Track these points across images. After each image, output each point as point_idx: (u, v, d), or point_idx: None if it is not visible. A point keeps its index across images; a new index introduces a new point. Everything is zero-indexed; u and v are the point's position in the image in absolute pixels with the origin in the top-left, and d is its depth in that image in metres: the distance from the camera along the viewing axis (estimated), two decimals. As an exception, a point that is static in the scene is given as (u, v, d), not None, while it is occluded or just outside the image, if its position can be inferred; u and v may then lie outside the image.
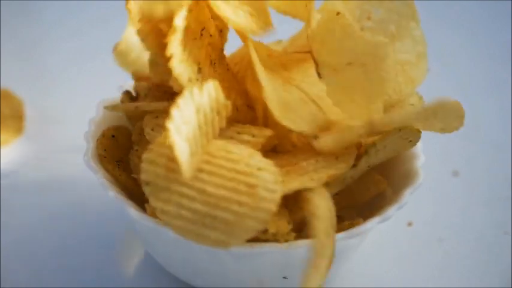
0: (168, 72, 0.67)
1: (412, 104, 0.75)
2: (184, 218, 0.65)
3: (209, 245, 0.65)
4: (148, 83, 0.77)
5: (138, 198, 0.72)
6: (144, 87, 0.77)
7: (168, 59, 0.67)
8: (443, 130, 0.71)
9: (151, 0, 0.67)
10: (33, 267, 0.80)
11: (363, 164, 0.70)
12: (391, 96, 0.74)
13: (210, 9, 0.70)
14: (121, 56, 0.79)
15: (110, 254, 0.81)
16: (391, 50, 0.74)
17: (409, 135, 0.71)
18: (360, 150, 0.70)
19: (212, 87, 0.67)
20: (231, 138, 0.69)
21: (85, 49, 1.04)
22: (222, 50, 0.74)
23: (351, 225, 0.71)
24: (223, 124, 0.68)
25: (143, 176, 0.66)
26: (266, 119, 0.72)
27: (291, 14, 0.74)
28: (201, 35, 0.70)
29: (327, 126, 0.70)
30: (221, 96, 0.68)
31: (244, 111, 0.73)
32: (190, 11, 0.68)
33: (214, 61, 0.72)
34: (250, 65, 0.71)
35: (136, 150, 0.74)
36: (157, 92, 0.75)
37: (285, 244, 0.69)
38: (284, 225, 0.69)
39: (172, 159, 0.64)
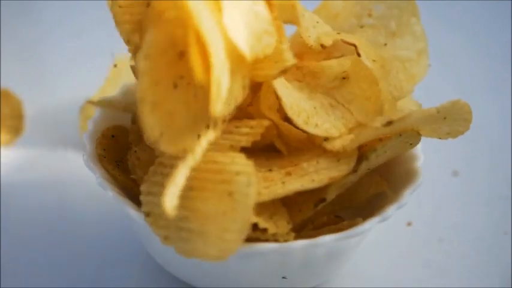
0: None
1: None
2: (184, 239, 0.65)
3: (208, 260, 0.65)
4: None
5: (138, 198, 0.72)
6: None
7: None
8: (448, 135, 0.71)
9: None
10: (33, 267, 0.80)
11: (363, 169, 0.70)
12: (392, 93, 0.74)
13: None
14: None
15: (110, 254, 0.81)
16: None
17: (410, 138, 0.71)
18: (360, 155, 0.70)
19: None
20: (230, 133, 0.69)
21: (85, 49, 1.04)
22: None
23: (351, 225, 0.71)
24: None
25: (143, 208, 0.67)
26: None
27: (282, 19, 0.74)
28: None
29: (354, 128, 0.71)
30: None
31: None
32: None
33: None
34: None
35: (135, 151, 0.74)
36: None
37: (285, 244, 0.68)
38: (283, 225, 0.69)
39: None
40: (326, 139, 0.70)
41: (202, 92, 0.64)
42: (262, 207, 0.68)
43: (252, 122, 0.69)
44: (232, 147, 0.68)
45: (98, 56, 0.94)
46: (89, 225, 0.83)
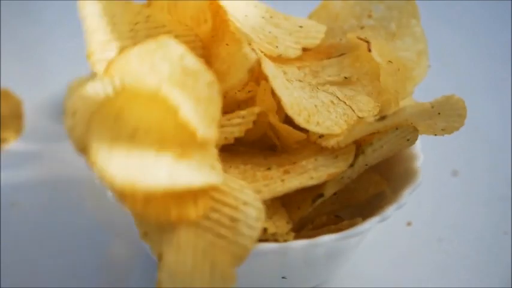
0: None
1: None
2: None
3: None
4: None
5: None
6: None
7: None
8: (443, 131, 0.72)
9: None
10: (33, 267, 0.80)
11: (360, 163, 0.70)
12: (392, 94, 0.74)
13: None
14: None
15: (110, 253, 0.81)
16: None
17: (407, 133, 0.71)
18: (357, 150, 0.70)
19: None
20: (223, 126, 0.69)
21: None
22: None
23: (350, 225, 0.71)
24: None
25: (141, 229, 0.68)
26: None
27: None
28: None
29: (355, 124, 0.71)
30: None
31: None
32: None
33: None
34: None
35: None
36: None
37: (284, 244, 0.68)
38: (283, 225, 0.69)
39: None
40: (321, 136, 0.70)
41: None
42: (262, 207, 0.68)
43: (243, 112, 0.69)
44: (226, 139, 0.68)
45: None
46: (89, 225, 0.83)
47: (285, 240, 0.69)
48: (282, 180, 0.68)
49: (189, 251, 0.64)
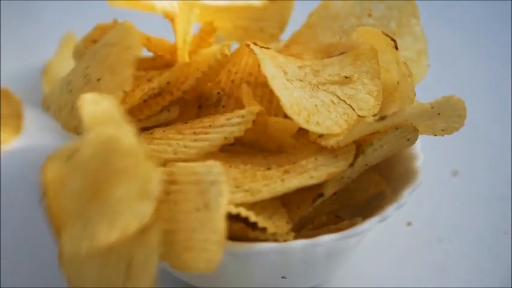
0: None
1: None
2: (175, 253, 0.66)
3: (198, 272, 0.65)
4: None
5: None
6: None
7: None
8: (443, 131, 0.72)
9: None
10: (33, 267, 0.80)
11: (360, 163, 0.70)
12: (392, 93, 0.74)
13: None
14: None
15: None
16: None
17: (407, 133, 0.71)
18: (357, 150, 0.70)
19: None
20: (222, 126, 0.69)
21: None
22: None
23: (350, 225, 0.71)
24: None
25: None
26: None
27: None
28: None
29: (355, 124, 0.71)
30: None
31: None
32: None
33: None
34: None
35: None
36: None
37: (284, 244, 0.68)
38: (283, 225, 0.69)
39: None
40: (321, 136, 0.70)
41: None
42: (261, 207, 0.68)
43: (242, 111, 0.69)
44: (226, 139, 0.68)
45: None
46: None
47: (285, 240, 0.69)
48: (282, 180, 0.68)
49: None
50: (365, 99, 0.73)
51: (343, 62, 0.75)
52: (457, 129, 0.71)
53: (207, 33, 0.80)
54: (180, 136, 0.70)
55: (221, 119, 0.70)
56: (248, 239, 0.68)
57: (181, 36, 0.75)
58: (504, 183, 0.88)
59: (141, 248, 0.64)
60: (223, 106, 0.75)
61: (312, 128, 0.70)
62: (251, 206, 0.68)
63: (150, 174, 0.62)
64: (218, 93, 0.75)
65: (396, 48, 0.73)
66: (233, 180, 0.68)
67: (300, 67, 0.74)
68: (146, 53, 0.77)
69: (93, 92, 0.67)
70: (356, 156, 0.70)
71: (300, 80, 0.73)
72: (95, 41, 0.78)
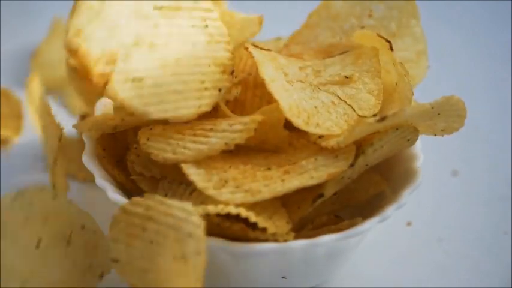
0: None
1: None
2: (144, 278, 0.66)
3: None
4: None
5: (137, 198, 0.73)
6: None
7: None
8: (443, 131, 0.72)
9: None
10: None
11: (360, 163, 0.70)
12: (391, 94, 0.74)
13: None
14: None
15: (110, 254, 0.81)
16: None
17: (407, 133, 0.71)
18: (357, 150, 0.70)
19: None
20: (224, 131, 0.69)
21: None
22: None
23: (350, 225, 0.71)
24: None
25: (112, 255, 0.67)
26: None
27: None
28: None
29: (355, 125, 0.71)
30: None
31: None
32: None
33: None
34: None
35: (135, 148, 0.74)
36: None
37: (284, 244, 0.68)
38: (283, 225, 0.69)
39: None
40: (321, 136, 0.70)
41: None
42: (262, 207, 0.68)
43: (245, 119, 0.69)
44: (226, 145, 0.68)
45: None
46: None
47: (285, 240, 0.69)
48: (282, 180, 0.68)
49: None
50: (365, 99, 0.73)
51: (344, 62, 0.75)
52: (457, 129, 0.71)
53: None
54: (180, 136, 0.70)
55: (223, 123, 0.70)
56: (248, 239, 0.68)
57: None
58: (504, 183, 0.88)
59: None
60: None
61: (311, 129, 0.70)
62: (251, 206, 0.68)
63: None
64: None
65: (391, 49, 0.73)
66: (233, 180, 0.68)
67: (301, 68, 0.74)
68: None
69: None
70: (356, 156, 0.70)
71: (301, 81, 0.73)
72: None
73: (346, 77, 0.74)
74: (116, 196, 0.72)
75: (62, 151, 0.75)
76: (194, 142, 0.69)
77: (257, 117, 0.69)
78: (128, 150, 0.74)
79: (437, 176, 0.88)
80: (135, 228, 0.66)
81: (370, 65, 0.75)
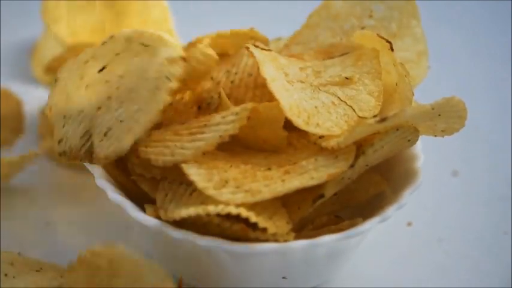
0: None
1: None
2: None
3: None
4: None
5: (137, 198, 0.73)
6: None
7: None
8: (444, 132, 0.72)
9: None
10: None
11: (361, 164, 0.70)
12: (392, 95, 0.74)
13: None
14: None
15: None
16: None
17: (408, 134, 0.71)
18: (357, 151, 0.70)
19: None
20: (218, 124, 0.69)
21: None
22: None
23: (351, 225, 0.71)
24: None
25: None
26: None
27: None
28: None
29: (355, 125, 0.71)
30: None
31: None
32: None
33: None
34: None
35: (135, 149, 0.74)
36: None
37: (285, 244, 0.68)
38: (283, 225, 0.69)
39: None
40: (321, 137, 0.70)
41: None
42: (262, 207, 0.68)
43: (236, 108, 0.69)
44: (221, 138, 0.68)
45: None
46: (89, 225, 0.83)
47: (286, 241, 0.69)
48: (283, 181, 0.68)
49: None
50: (366, 100, 0.73)
51: (344, 63, 0.75)
52: (457, 130, 0.71)
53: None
54: (177, 137, 0.70)
55: (216, 117, 0.70)
56: (249, 239, 0.68)
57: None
58: (504, 183, 0.88)
59: None
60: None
61: (311, 129, 0.70)
62: (251, 206, 0.68)
63: None
64: (219, 96, 0.75)
65: (392, 49, 0.74)
66: (233, 180, 0.68)
67: (301, 68, 0.74)
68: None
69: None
70: (356, 157, 0.70)
71: (301, 82, 0.73)
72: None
73: (347, 78, 0.74)
74: (116, 196, 0.72)
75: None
76: (191, 141, 0.70)
77: (248, 105, 0.69)
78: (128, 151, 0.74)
79: (437, 176, 0.88)
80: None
81: (371, 67, 0.75)
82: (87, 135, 0.71)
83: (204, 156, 0.69)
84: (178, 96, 0.77)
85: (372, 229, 0.71)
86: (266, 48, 0.74)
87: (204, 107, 0.76)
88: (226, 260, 0.71)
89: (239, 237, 0.68)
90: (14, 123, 0.94)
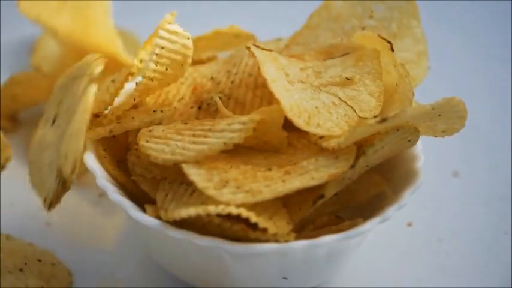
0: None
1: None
2: None
3: None
4: None
5: (138, 198, 0.73)
6: None
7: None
8: (444, 133, 0.72)
9: None
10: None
11: (361, 164, 0.70)
12: (392, 95, 0.74)
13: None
14: None
15: (110, 254, 0.81)
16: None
17: (408, 134, 0.71)
18: (358, 151, 0.70)
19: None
20: (223, 131, 0.69)
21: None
22: None
23: (351, 226, 0.71)
24: None
25: None
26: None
27: None
28: None
29: (356, 126, 0.71)
30: None
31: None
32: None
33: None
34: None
35: (136, 149, 0.74)
36: None
37: (285, 244, 0.69)
38: (284, 226, 0.69)
39: None
40: (321, 137, 0.70)
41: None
42: (262, 208, 0.68)
43: (244, 118, 0.69)
44: (225, 145, 0.68)
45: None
46: (89, 225, 0.84)
47: (286, 241, 0.69)
48: (283, 181, 0.68)
49: None
50: (366, 101, 0.73)
51: (345, 63, 0.75)
52: (457, 130, 0.71)
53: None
54: (179, 137, 0.70)
55: (221, 123, 0.70)
56: (249, 239, 0.68)
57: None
58: (504, 183, 0.88)
59: None
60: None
61: (312, 130, 0.70)
62: (252, 206, 0.68)
63: None
64: (221, 98, 0.75)
65: (392, 50, 0.74)
66: (234, 180, 0.68)
67: (301, 69, 0.75)
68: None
69: None
70: (357, 157, 0.70)
71: (302, 82, 0.73)
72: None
73: (347, 79, 0.74)
74: (116, 197, 0.72)
75: None
76: (193, 143, 0.70)
77: (255, 116, 0.69)
78: (128, 151, 0.74)
79: (437, 176, 0.88)
80: None
81: (371, 67, 0.75)
82: (58, 175, 0.72)
83: (204, 159, 0.69)
84: (177, 96, 0.77)
85: (372, 229, 0.71)
86: (266, 48, 0.74)
87: (205, 107, 0.76)
88: (226, 260, 0.71)
89: (239, 238, 0.68)
90: (14, 123, 0.94)
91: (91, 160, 0.74)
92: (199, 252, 0.71)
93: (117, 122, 0.74)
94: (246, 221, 0.67)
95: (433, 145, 0.80)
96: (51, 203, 0.72)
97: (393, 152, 0.73)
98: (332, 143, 0.69)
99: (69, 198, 0.77)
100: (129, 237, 0.82)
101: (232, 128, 0.69)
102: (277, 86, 0.70)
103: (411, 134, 0.71)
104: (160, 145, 0.70)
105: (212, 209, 0.67)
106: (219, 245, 0.69)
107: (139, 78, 0.73)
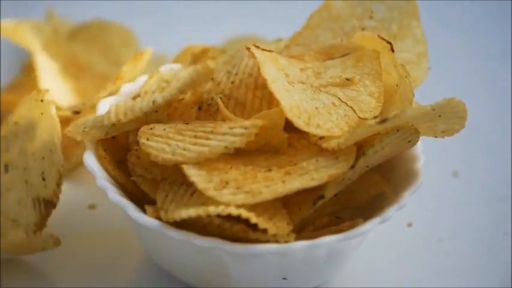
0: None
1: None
2: None
3: None
4: None
5: (138, 199, 0.73)
6: None
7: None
8: (444, 133, 0.72)
9: None
10: (32, 267, 0.80)
11: (361, 165, 0.70)
12: (392, 95, 0.74)
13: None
14: None
15: (110, 254, 0.81)
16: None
17: (408, 135, 0.71)
18: (358, 151, 0.70)
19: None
20: (224, 134, 0.69)
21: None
22: None
23: (351, 226, 0.71)
24: None
25: None
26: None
27: None
28: None
29: (356, 126, 0.71)
30: None
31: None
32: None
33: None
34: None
35: (136, 150, 0.74)
36: None
37: (285, 245, 0.69)
38: (284, 226, 0.69)
39: None
40: (322, 138, 0.70)
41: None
42: (262, 208, 0.68)
43: (246, 123, 0.69)
44: (226, 149, 0.68)
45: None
46: (89, 225, 0.84)
47: (286, 241, 0.69)
48: (283, 182, 0.68)
49: None
50: (366, 101, 0.73)
51: (345, 64, 0.75)
52: (457, 130, 0.72)
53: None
54: (180, 137, 0.70)
55: (223, 126, 0.70)
56: (249, 240, 0.68)
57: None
58: (504, 183, 0.88)
59: None
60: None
61: (312, 130, 0.70)
62: (252, 207, 0.68)
63: None
64: (221, 98, 0.75)
65: (392, 50, 0.74)
66: (234, 181, 0.68)
67: (302, 69, 0.75)
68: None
69: None
70: (357, 157, 0.70)
71: (302, 83, 0.73)
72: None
73: (347, 79, 0.74)
74: (116, 197, 0.72)
75: None
76: (194, 144, 0.69)
77: (258, 121, 0.69)
78: (128, 152, 0.74)
79: (437, 177, 0.88)
80: None
81: (371, 68, 0.75)
82: (36, 203, 0.74)
83: (205, 160, 0.69)
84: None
85: (372, 230, 0.71)
86: (266, 49, 0.75)
87: (205, 108, 0.76)
88: (226, 261, 0.71)
89: (239, 238, 0.68)
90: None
91: (91, 160, 0.74)
92: (200, 253, 0.71)
93: (112, 124, 0.74)
94: (246, 221, 0.67)
95: (433, 145, 0.80)
96: (36, 230, 0.75)
97: (393, 153, 0.73)
98: (332, 144, 0.69)
99: (65, 200, 0.77)
100: (128, 236, 0.82)
101: (234, 132, 0.69)
102: (277, 86, 0.70)
103: (411, 134, 0.71)
104: (160, 144, 0.70)
105: (212, 209, 0.67)
106: (219, 245, 0.69)
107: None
